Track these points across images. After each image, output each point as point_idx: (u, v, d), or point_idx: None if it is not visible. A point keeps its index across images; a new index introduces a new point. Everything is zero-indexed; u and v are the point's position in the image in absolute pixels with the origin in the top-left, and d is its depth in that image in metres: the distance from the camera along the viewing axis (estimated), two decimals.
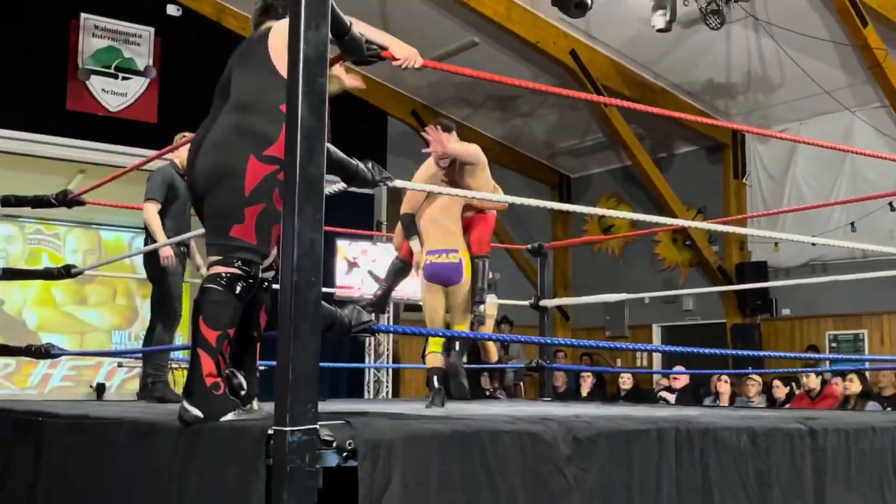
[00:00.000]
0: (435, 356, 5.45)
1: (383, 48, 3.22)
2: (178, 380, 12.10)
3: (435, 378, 5.37)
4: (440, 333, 5.04)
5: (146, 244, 5.96)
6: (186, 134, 5.72)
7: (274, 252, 3.19)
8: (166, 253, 5.76)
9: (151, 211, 5.85)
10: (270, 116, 3.04)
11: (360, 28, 3.08)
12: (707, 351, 3.95)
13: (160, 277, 5.92)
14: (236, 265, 3.04)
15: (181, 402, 2.96)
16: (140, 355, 6.78)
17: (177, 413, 2.91)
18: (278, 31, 3.15)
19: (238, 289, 3.03)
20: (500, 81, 3.68)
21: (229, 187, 3.04)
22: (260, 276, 3.13)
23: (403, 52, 3.29)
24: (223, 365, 3.00)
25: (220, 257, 3.06)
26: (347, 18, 2.94)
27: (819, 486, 3.26)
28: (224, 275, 3.03)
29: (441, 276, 5.44)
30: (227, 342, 3.00)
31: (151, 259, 5.89)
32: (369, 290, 11.50)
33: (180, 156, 5.87)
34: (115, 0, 11.11)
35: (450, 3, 10.58)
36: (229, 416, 2.89)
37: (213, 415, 2.88)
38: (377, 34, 3.20)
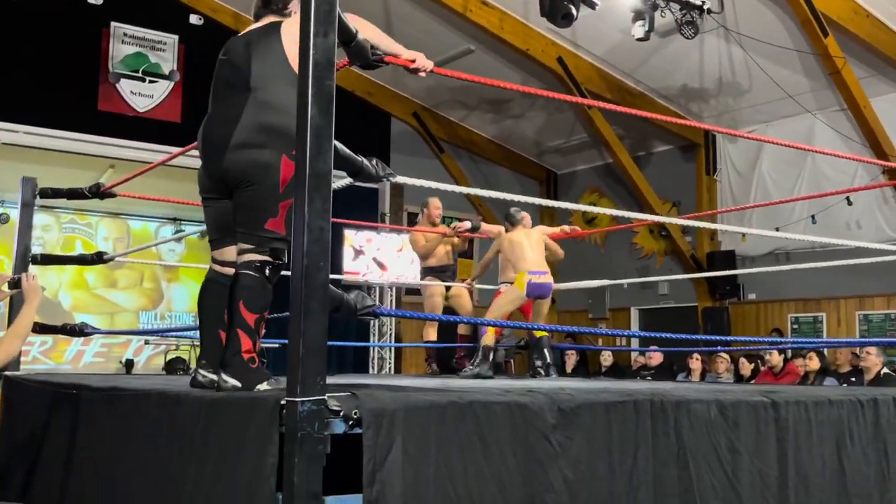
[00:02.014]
0: (491, 336, 6.36)
1: (397, 56, 3.22)
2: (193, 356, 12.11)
3: (491, 353, 6.31)
4: (433, 317, 5.05)
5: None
6: None
7: None
8: None
9: None
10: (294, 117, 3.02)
11: (373, 35, 3.06)
12: (680, 336, 3.98)
13: None
14: (269, 254, 3.09)
15: (219, 374, 3.05)
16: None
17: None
18: (289, 34, 3.12)
19: (270, 275, 3.09)
20: (494, 85, 3.67)
21: (266, 183, 3.05)
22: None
23: (417, 59, 3.32)
24: (258, 343, 3.07)
25: (252, 246, 3.09)
26: (353, 25, 2.94)
27: (782, 452, 3.27)
28: (259, 262, 3.07)
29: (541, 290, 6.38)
30: (262, 323, 3.08)
31: None
32: (374, 275, 11.55)
33: None
34: (143, 10, 11.09)
35: (448, 14, 10.55)
36: (263, 386, 3.01)
37: (249, 385, 2.99)
38: (389, 43, 3.19)
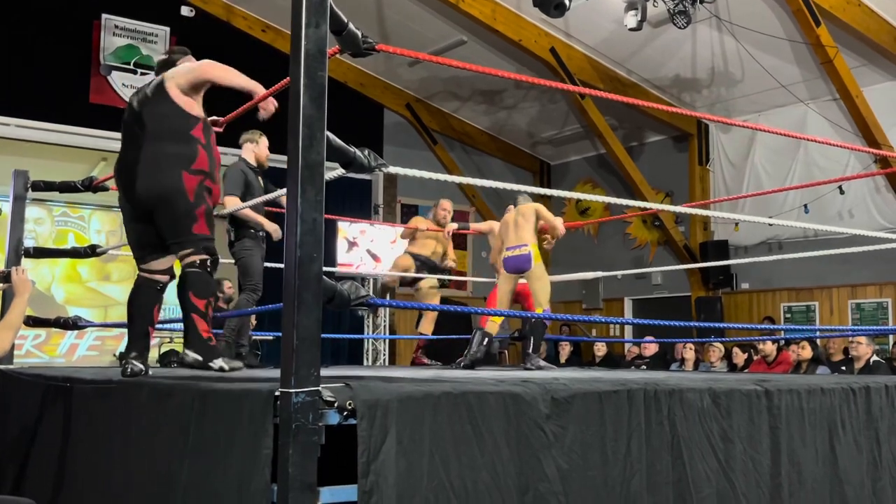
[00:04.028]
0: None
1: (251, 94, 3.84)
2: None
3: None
4: (425, 307, 5.05)
5: (233, 236, 5.70)
6: (257, 131, 5.74)
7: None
8: (276, 229, 5.54)
9: (237, 202, 5.38)
10: (186, 140, 3.69)
11: (228, 75, 3.78)
12: (673, 324, 3.98)
13: (248, 258, 5.65)
14: (204, 252, 3.72)
15: (183, 350, 3.75)
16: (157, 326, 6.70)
17: (207, 377, 3.27)
18: (171, 79, 3.77)
19: (210, 267, 3.75)
20: (487, 73, 3.66)
21: (179, 200, 3.65)
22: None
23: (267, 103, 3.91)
24: (210, 324, 3.74)
25: (191, 249, 3.71)
26: (195, 67, 3.59)
27: (775, 441, 3.27)
28: (199, 261, 3.72)
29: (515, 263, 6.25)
30: (210, 308, 3.74)
31: (240, 243, 5.64)
32: (368, 266, 11.55)
33: (258, 154, 5.80)
34: (134, 2, 11.05)
35: (440, 5, 10.52)
36: (219, 362, 3.65)
37: (209, 358, 3.66)
38: (244, 81, 3.80)
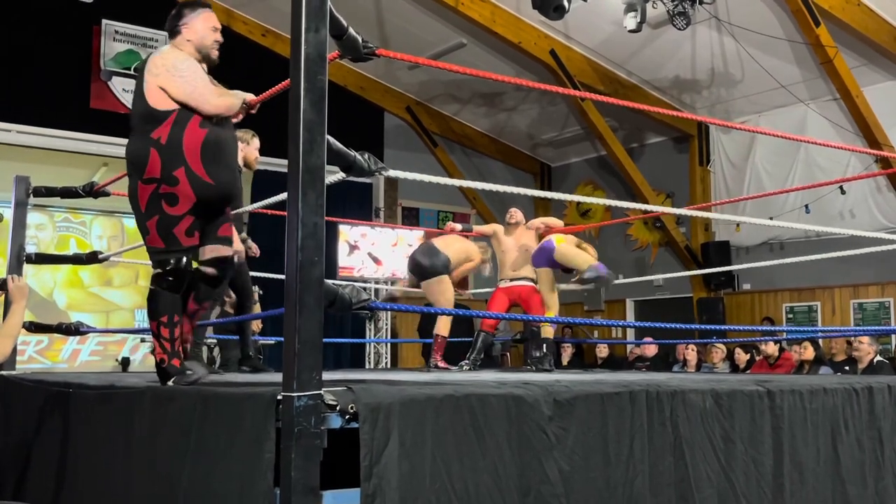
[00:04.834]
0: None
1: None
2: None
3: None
4: (423, 310, 5.06)
5: None
6: (249, 131, 5.54)
7: (211, 247, 3.49)
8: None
9: None
10: (144, 142, 3.29)
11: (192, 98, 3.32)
12: (675, 326, 3.98)
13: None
14: (157, 265, 3.38)
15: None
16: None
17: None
18: (152, 62, 3.37)
19: (164, 284, 3.37)
20: (487, 77, 3.67)
21: (136, 211, 3.37)
22: (188, 269, 3.40)
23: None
24: (166, 344, 3.37)
25: (152, 264, 3.40)
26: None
27: (777, 441, 3.28)
28: (153, 276, 3.39)
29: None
30: (164, 327, 3.37)
31: None
32: (369, 270, 11.54)
33: (247, 155, 5.58)
34: (134, 7, 11.04)
35: (440, 8, 10.53)
36: (170, 383, 3.31)
37: (163, 383, 3.34)
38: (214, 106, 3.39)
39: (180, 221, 3.31)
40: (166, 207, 3.28)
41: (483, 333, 6.76)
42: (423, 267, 6.61)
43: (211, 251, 3.50)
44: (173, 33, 3.49)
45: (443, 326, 6.82)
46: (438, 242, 6.85)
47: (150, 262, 3.43)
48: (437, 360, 6.63)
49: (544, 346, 6.52)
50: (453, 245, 6.86)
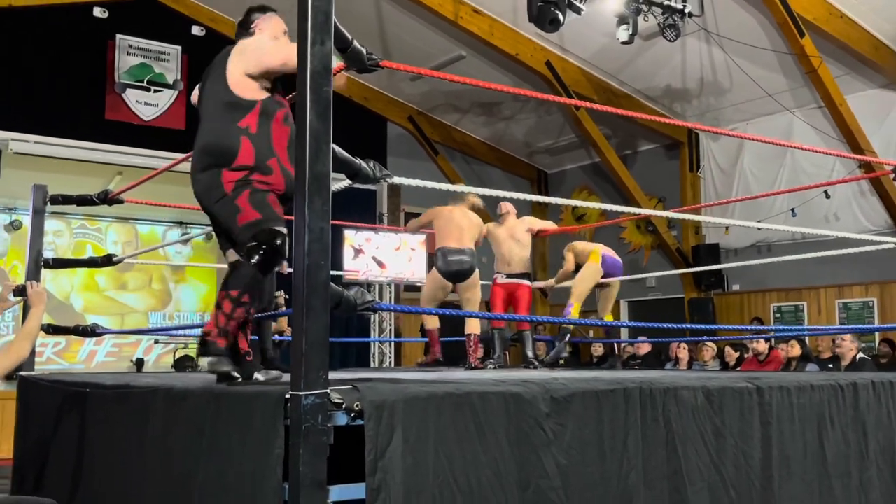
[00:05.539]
0: None
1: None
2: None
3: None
4: (432, 311, 5.05)
5: None
6: None
7: None
8: None
9: None
10: (230, 129, 3.15)
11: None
12: (668, 326, 4.00)
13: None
14: (251, 241, 3.09)
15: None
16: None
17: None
18: (236, 53, 3.27)
19: (256, 257, 3.07)
20: (486, 87, 3.67)
21: (220, 199, 3.15)
22: (283, 244, 3.10)
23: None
24: (231, 323, 3.09)
25: (237, 247, 3.19)
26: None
27: (766, 436, 3.28)
28: (248, 249, 3.09)
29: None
30: (236, 305, 3.08)
31: None
32: (373, 273, 11.54)
33: None
34: (147, 22, 11.07)
35: (440, 22, 10.54)
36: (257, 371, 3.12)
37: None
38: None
39: (273, 202, 3.16)
40: (259, 186, 3.12)
41: (498, 331, 6.77)
42: (465, 270, 6.38)
43: None
44: (246, 34, 3.43)
45: (476, 325, 6.54)
46: (454, 241, 6.48)
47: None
48: (475, 360, 6.34)
49: (568, 335, 6.91)
50: (470, 234, 6.58)
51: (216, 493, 2.60)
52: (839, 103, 9.84)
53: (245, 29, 3.45)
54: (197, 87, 3.55)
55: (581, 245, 7.31)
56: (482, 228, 6.75)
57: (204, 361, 3.03)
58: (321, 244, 2.32)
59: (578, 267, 7.19)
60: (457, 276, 6.37)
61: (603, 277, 6.99)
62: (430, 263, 7.61)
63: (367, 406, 2.32)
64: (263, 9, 3.48)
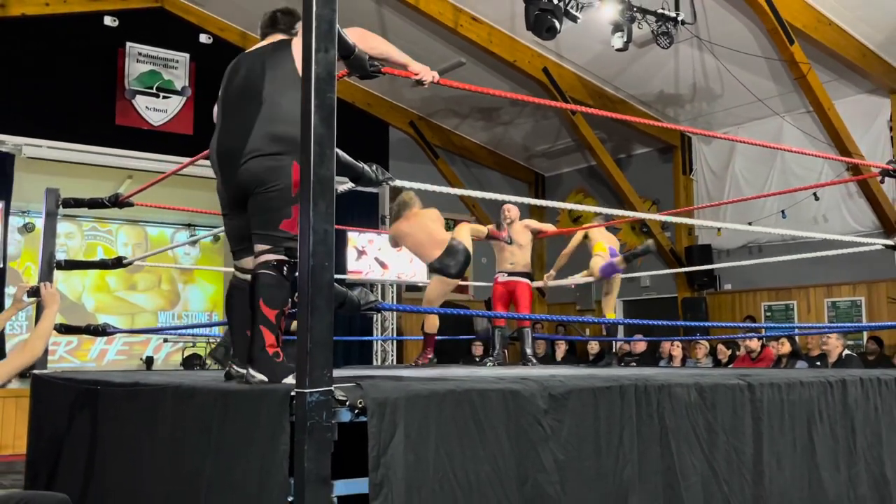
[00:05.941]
0: None
1: (405, 68, 3.27)
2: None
3: None
4: (430, 311, 5.04)
5: None
6: None
7: None
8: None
9: None
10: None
11: (383, 48, 3.12)
12: (662, 323, 4.00)
13: None
14: (284, 253, 3.01)
15: (247, 369, 3.01)
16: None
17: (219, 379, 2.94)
18: (299, 50, 3.02)
19: (286, 271, 3.01)
20: (486, 93, 3.67)
21: (281, 187, 3.00)
22: None
23: (422, 73, 3.33)
24: (280, 338, 3.00)
25: (269, 246, 3.03)
26: (352, 41, 2.93)
27: (757, 431, 3.27)
28: (275, 262, 3.01)
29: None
30: (283, 318, 3.03)
31: None
32: (376, 274, 11.54)
33: None
34: (156, 31, 11.07)
35: (440, 30, 10.54)
36: (289, 379, 2.79)
37: (276, 378, 2.89)
38: (399, 54, 3.23)
39: None
40: None
41: (498, 329, 6.78)
42: (465, 262, 6.20)
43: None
44: (289, 33, 3.34)
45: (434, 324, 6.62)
46: (435, 247, 6.32)
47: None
48: (425, 360, 6.42)
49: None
50: (435, 225, 6.42)
51: (223, 488, 2.60)
52: (827, 108, 9.84)
53: (289, 27, 3.36)
54: (221, 91, 3.37)
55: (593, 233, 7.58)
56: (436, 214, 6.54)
57: (291, 379, 2.75)
58: (325, 246, 2.32)
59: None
60: (462, 270, 6.35)
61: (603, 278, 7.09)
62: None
63: (370, 403, 2.32)
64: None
